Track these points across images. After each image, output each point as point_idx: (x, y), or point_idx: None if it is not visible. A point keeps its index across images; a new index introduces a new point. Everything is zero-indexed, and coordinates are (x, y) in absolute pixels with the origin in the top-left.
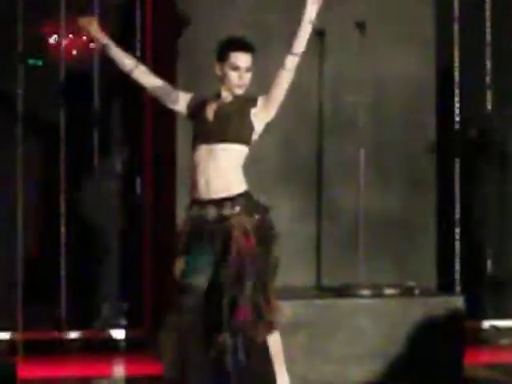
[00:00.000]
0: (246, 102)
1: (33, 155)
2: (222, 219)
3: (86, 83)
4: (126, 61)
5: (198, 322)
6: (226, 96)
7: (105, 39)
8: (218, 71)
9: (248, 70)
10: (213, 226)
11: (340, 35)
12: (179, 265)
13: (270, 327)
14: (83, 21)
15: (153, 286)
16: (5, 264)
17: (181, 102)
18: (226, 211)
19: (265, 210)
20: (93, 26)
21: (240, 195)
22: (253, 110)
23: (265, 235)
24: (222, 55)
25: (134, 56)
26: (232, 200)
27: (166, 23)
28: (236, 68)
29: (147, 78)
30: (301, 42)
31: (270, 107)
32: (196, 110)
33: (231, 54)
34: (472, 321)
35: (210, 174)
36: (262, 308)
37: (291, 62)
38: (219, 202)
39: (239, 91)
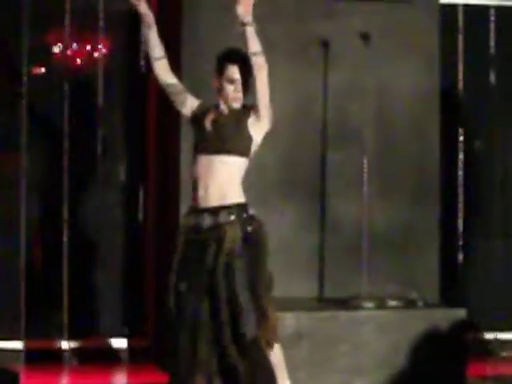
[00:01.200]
0: (243, 112)
1: (36, 164)
2: (217, 227)
3: (89, 93)
4: (158, 48)
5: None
6: (224, 108)
7: (151, 19)
8: (215, 83)
9: (243, 82)
10: (206, 236)
11: (345, 46)
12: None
13: (269, 342)
14: None
15: (155, 296)
16: (7, 273)
17: (188, 105)
18: (221, 219)
19: (258, 224)
20: (142, 3)
21: (236, 205)
22: (249, 120)
23: (256, 248)
24: (219, 68)
25: (139, 66)
26: (228, 209)
27: (171, 32)
28: (232, 81)
29: (166, 73)
30: (251, 42)
31: (261, 115)
32: (198, 117)
33: (227, 66)
34: (475, 333)
35: (209, 185)
36: (258, 322)
37: (255, 61)
38: (215, 211)
39: (235, 104)
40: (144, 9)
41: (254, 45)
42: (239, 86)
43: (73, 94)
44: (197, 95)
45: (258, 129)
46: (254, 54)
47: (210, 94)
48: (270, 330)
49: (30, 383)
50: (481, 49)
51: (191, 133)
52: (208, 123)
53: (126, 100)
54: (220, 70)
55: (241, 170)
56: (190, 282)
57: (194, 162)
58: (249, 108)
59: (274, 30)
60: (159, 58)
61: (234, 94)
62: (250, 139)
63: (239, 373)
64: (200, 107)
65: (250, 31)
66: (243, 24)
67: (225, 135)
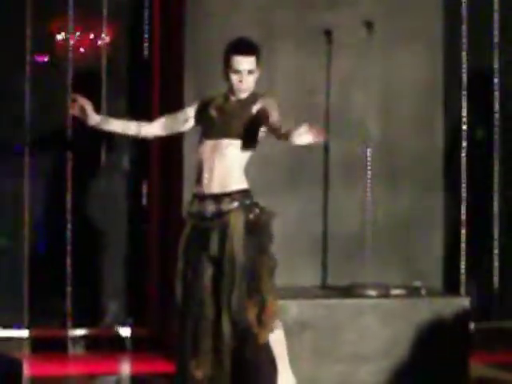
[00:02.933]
0: (249, 100)
1: (40, 152)
2: (220, 214)
3: (93, 81)
4: (127, 127)
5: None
6: (231, 98)
7: (98, 118)
8: (224, 75)
9: (250, 72)
10: (210, 224)
11: (348, 34)
12: (179, 267)
13: (266, 330)
14: (77, 105)
15: (159, 284)
16: (11, 262)
17: (189, 117)
18: (224, 206)
19: (261, 211)
20: (86, 111)
21: (239, 192)
22: (254, 107)
23: (258, 235)
24: (226, 59)
25: (142, 57)
26: (231, 195)
27: (175, 23)
28: (237, 71)
29: (154, 129)
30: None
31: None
32: (202, 110)
33: (232, 57)
34: (478, 321)
35: (214, 169)
36: (257, 310)
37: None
38: (218, 197)
39: (241, 95)
40: (89, 115)
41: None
42: (244, 77)
43: (76, 83)
44: (201, 84)
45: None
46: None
47: (214, 82)
48: (268, 318)
49: (35, 371)
50: (485, 35)
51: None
52: (213, 110)
53: (130, 88)
54: (226, 61)
55: (245, 155)
56: (195, 270)
57: (199, 146)
58: (257, 96)
59: (278, 18)
60: (138, 129)
61: (238, 84)
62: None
63: (241, 362)
64: (199, 106)
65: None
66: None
67: (231, 120)
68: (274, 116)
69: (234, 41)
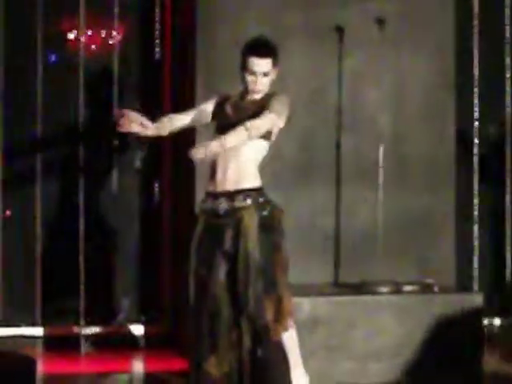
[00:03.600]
0: (266, 99)
1: (52, 150)
2: (233, 212)
3: (104, 81)
4: (165, 128)
5: (219, 319)
6: (246, 97)
7: (153, 126)
8: (240, 74)
9: (266, 74)
10: (224, 221)
11: (359, 32)
12: (192, 265)
13: (283, 327)
14: (128, 120)
15: (172, 282)
16: (24, 260)
17: (209, 112)
18: (238, 203)
19: (274, 208)
20: (141, 122)
21: (252, 190)
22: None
23: (271, 232)
24: (242, 59)
25: (154, 56)
26: (244, 193)
27: (186, 22)
28: (252, 73)
29: (184, 121)
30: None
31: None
32: (219, 106)
33: (249, 58)
34: (491, 318)
35: (228, 167)
36: (274, 307)
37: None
38: (231, 195)
39: (256, 96)
40: (147, 128)
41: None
42: (259, 78)
43: (87, 82)
44: (212, 83)
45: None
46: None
47: (225, 81)
48: (285, 315)
49: (48, 370)
50: (496, 33)
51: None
52: (229, 107)
53: (141, 87)
54: (243, 61)
55: (260, 153)
56: (209, 267)
57: None
58: (271, 95)
59: (290, 16)
60: (170, 127)
61: (253, 85)
62: None
63: (254, 359)
64: (215, 103)
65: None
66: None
67: (245, 118)
68: (271, 106)
69: (251, 41)
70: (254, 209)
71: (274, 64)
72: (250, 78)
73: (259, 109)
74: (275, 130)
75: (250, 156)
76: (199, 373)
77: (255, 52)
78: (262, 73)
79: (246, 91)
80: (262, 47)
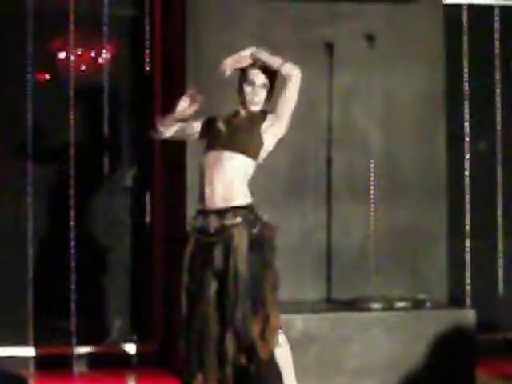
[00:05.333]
0: (259, 117)
1: (43, 169)
2: (223, 229)
3: (94, 98)
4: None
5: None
6: (241, 111)
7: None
8: (238, 87)
9: (265, 86)
10: (214, 239)
11: (349, 48)
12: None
13: (269, 345)
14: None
15: (163, 300)
16: (15, 279)
17: (196, 131)
18: (227, 221)
19: (265, 225)
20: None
21: (242, 207)
22: (263, 126)
23: (262, 250)
24: (242, 71)
25: (144, 73)
26: (233, 211)
27: (176, 38)
28: (252, 83)
29: (170, 133)
30: (270, 62)
31: (281, 121)
32: (209, 124)
33: (249, 69)
34: (484, 333)
35: (215, 183)
36: (260, 326)
37: (291, 70)
38: (221, 213)
39: (254, 107)
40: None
41: (273, 62)
42: (258, 90)
43: (78, 100)
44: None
45: (270, 135)
46: (278, 68)
47: (215, 94)
48: (271, 333)
49: None
50: (486, 49)
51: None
52: (221, 123)
53: (132, 104)
54: (243, 74)
55: (247, 170)
56: (199, 285)
57: (202, 157)
58: (266, 113)
59: (279, 32)
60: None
61: (251, 96)
62: (260, 143)
63: (247, 376)
64: (205, 121)
65: (262, 55)
66: (252, 59)
67: (236, 134)
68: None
69: None
70: (243, 226)
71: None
72: (249, 89)
73: (253, 126)
74: (263, 155)
75: (236, 172)
76: None
77: (256, 64)
78: (260, 84)
79: (242, 105)
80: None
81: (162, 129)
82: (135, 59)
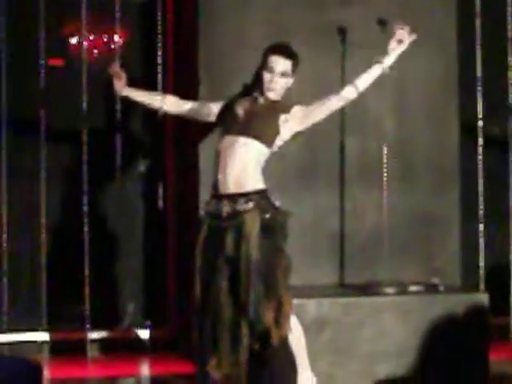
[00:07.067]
0: (279, 106)
1: (56, 156)
2: (236, 214)
3: (107, 86)
4: (151, 101)
5: (221, 321)
6: (260, 99)
7: (126, 91)
8: (259, 75)
9: (283, 75)
10: (226, 224)
11: (361, 32)
12: (197, 267)
13: (282, 331)
14: (114, 69)
15: (177, 285)
16: (29, 264)
17: (214, 113)
18: (240, 206)
19: (277, 211)
20: (120, 81)
21: (255, 192)
22: (283, 116)
23: (274, 235)
24: (263, 59)
25: (156, 60)
26: (246, 196)
27: (188, 23)
28: (271, 70)
29: (176, 107)
30: (365, 81)
31: (306, 121)
32: (227, 109)
33: (270, 56)
34: (498, 317)
35: (229, 168)
36: (273, 312)
37: (348, 93)
38: (234, 197)
39: (271, 94)
40: (120, 86)
41: (365, 84)
42: (276, 77)
43: (90, 87)
44: (215, 85)
45: (289, 127)
46: (357, 88)
47: (228, 81)
48: (284, 319)
49: (54, 375)
50: (499, 32)
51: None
52: (240, 109)
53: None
54: (264, 62)
55: (261, 157)
56: (212, 270)
57: (218, 141)
58: (289, 106)
59: (291, 17)
60: (161, 104)
61: (269, 83)
62: (276, 131)
63: (260, 362)
64: (225, 104)
65: (377, 74)
66: (383, 68)
67: (252, 120)
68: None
69: (275, 43)
70: (256, 212)
71: (293, 69)
72: (267, 75)
73: (270, 114)
74: (279, 143)
75: (249, 158)
76: (203, 374)
77: (277, 51)
78: (279, 72)
79: (260, 91)
80: (284, 48)
81: (124, 93)
82: (147, 46)
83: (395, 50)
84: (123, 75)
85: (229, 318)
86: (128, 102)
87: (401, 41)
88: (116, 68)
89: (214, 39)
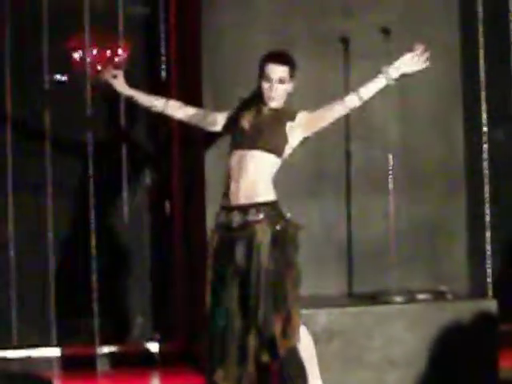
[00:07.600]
0: (284, 114)
1: (62, 169)
2: (246, 225)
3: (111, 97)
4: (155, 103)
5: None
6: (263, 107)
7: (129, 91)
8: (258, 86)
9: (281, 81)
10: (237, 235)
11: (365, 42)
12: (209, 278)
13: (290, 343)
14: (107, 73)
15: (185, 298)
16: (37, 279)
17: (218, 122)
18: (251, 217)
19: (288, 223)
20: (118, 80)
21: (266, 204)
22: (289, 124)
23: (285, 247)
24: (260, 67)
25: (159, 72)
26: (257, 207)
27: (191, 36)
28: (268, 79)
29: (180, 112)
30: (369, 90)
31: (312, 127)
32: (233, 119)
33: (266, 65)
34: (507, 324)
35: (240, 180)
36: (282, 324)
37: (352, 101)
38: (245, 209)
39: (272, 103)
40: (120, 85)
41: (369, 94)
42: (275, 85)
43: (94, 100)
44: (218, 94)
45: (296, 134)
46: (361, 98)
47: (231, 92)
48: (293, 331)
49: None
50: (502, 40)
51: (215, 134)
52: (246, 122)
53: None
54: (261, 70)
55: (272, 168)
56: (223, 281)
57: (228, 157)
58: (294, 112)
59: (294, 26)
60: (164, 107)
61: (268, 92)
62: (285, 140)
63: (270, 371)
64: (229, 115)
65: (381, 86)
66: (388, 80)
67: (260, 132)
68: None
69: (271, 51)
70: (267, 223)
71: (291, 75)
72: (266, 84)
73: (276, 123)
74: (288, 151)
75: (260, 171)
76: None
77: (272, 59)
78: (277, 79)
79: (262, 101)
80: (279, 55)
81: (127, 93)
82: (151, 57)
83: (407, 66)
84: (119, 72)
85: (238, 329)
86: (133, 115)
87: (416, 57)
88: (107, 73)
89: (217, 49)
